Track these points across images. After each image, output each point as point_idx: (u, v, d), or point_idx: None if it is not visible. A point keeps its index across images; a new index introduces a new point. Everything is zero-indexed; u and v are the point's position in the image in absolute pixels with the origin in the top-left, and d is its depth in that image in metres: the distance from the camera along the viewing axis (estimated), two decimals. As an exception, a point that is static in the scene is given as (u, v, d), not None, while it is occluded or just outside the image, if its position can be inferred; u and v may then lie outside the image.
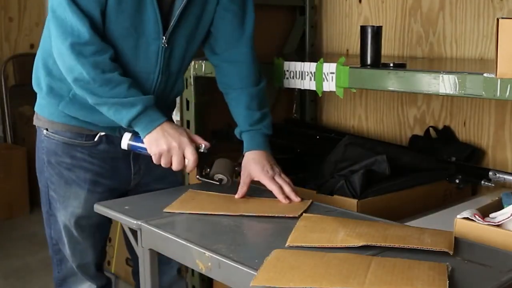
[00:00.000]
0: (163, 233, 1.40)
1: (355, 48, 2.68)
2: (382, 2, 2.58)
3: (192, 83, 2.23)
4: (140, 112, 1.55)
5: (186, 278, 2.34)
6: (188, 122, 2.29)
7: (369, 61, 1.76)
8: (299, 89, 2.74)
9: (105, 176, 1.73)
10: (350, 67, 1.76)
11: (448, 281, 1.10)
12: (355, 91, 2.30)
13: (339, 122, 2.82)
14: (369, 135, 2.68)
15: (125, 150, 1.66)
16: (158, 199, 1.65)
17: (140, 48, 1.61)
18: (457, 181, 2.05)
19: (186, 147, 1.58)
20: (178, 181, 1.88)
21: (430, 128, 2.45)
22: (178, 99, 2.07)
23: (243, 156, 1.73)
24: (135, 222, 1.47)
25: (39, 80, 1.69)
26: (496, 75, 1.41)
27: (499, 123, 2.28)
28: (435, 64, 2.20)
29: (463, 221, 1.47)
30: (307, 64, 1.90)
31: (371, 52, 1.76)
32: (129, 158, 1.75)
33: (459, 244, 1.31)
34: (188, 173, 2.16)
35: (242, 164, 1.70)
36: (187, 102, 2.28)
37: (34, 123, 1.76)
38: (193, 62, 2.14)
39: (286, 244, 1.30)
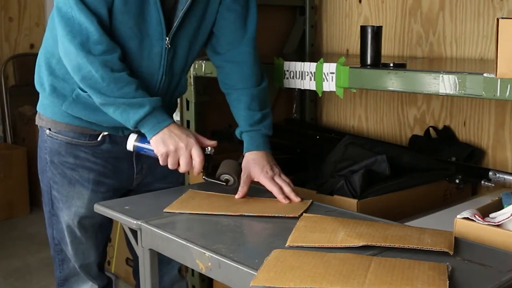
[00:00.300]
0: (163, 233, 1.40)
1: (355, 48, 2.68)
2: (382, 2, 2.58)
3: (192, 83, 2.23)
4: (147, 113, 1.55)
5: (186, 278, 2.34)
6: (188, 122, 2.29)
7: (369, 61, 1.76)
8: (299, 89, 2.74)
9: (108, 176, 1.73)
10: (350, 67, 1.77)
11: (448, 281, 1.10)
12: (355, 91, 2.30)
13: (339, 122, 2.82)
14: (369, 135, 2.68)
15: (129, 150, 1.66)
16: (158, 199, 1.65)
17: (144, 49, 1.61)
18: (457, 181, 2.06)
19: (193, 148, 1.58)
20: (180, 180, 1.88)
21: (430, 128, 2.45)
22: (178, 99, 2.07)
23: (243, 156, 1.73)
24: (135, 222, 1.47)
25: (41, 80, 1.69)
26: (496, 75, 1.41)
27: (499, 123, 2.28)
28: (435, 64, 2.19)
29: (463, 221, 1.47)
30: (307, 64, 1.90)
31: (371, 52, 1.76)
32: (131, 157, 1.75)
33: (459, 244, 1.31)
34: (188, 173, 2.16)
35: (242, 165, 1.70)
36: (187, 102, 2.28)
37: (37, 122, 1.76)
38: (193, 62, 2.14)
39: (286, 244, 1.30)
